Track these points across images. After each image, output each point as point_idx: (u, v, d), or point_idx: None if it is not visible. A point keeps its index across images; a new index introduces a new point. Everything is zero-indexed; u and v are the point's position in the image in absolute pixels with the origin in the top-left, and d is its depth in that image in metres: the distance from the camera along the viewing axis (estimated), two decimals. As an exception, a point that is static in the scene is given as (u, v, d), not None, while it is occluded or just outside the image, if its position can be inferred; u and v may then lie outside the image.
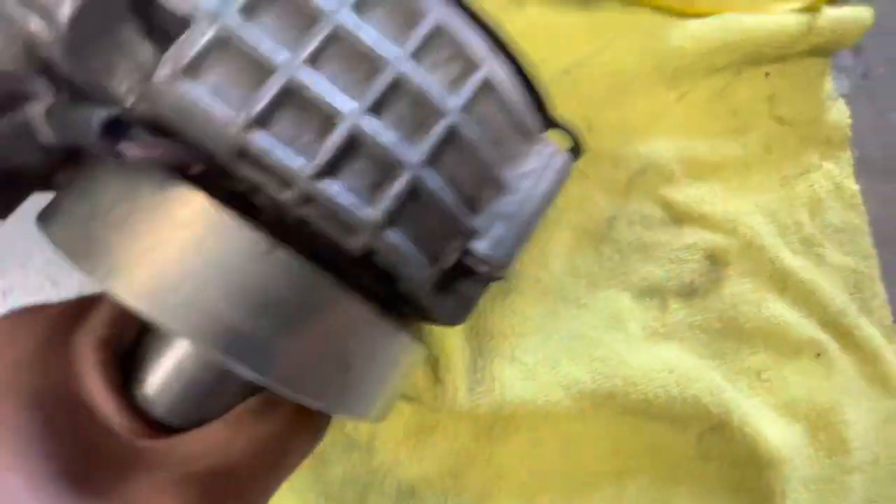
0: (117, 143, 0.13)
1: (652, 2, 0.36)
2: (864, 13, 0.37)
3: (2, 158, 0.16)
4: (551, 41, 0.35)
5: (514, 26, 0.34)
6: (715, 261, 0.35)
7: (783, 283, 0.36)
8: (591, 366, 0.31)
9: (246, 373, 0.15)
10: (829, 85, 0.39)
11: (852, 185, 0.38)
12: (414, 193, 0.15)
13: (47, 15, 0.14)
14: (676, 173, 0.36)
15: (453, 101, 0.16)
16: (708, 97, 0.37)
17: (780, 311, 0.35)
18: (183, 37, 0.14)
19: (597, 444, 0.32)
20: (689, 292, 0.35)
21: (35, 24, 0.14)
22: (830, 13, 0.37)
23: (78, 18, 0.14)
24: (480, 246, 0.17)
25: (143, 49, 0.15)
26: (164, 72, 0.14)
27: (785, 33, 0.35)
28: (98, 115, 0.13)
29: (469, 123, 0.16)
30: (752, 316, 0.35)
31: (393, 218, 0.15)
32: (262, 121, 0.14)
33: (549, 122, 0.21)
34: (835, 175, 0.38)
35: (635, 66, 0.35)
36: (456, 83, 0.17)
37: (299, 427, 0.18)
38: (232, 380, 0.18)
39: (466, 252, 0.17)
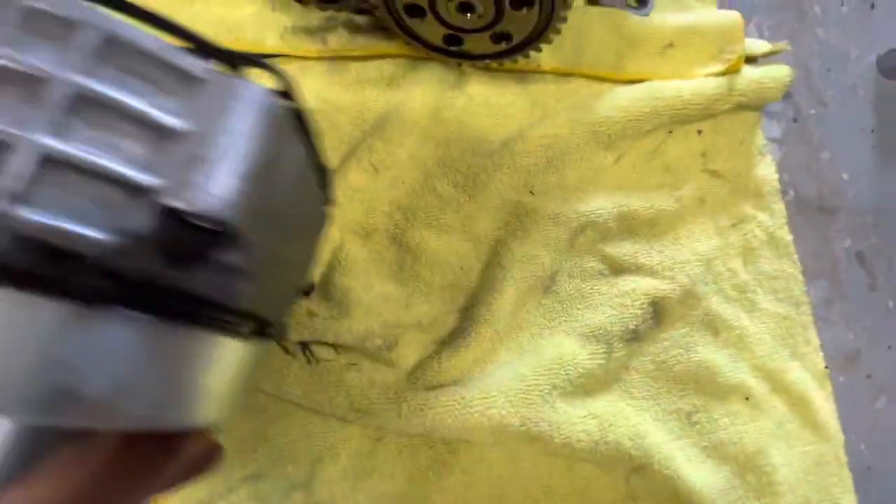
0: None
1: (583, 73, 0.39)
2: (782, 71, 0.40)
3: None
4: (493, 116, 0.39)
5: (457, 104, 0.39)
6: (656, 306, 0.38)
7: (715, 328, 0.38)
8: (521, 410, 0.34)
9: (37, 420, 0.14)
10: (760, 139, 0.42)
11: (786, 236, 0.40)
12: (45, 165, 0.14)
13: None
14: (614, 229, 0.39)
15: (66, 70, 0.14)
16: (642, 157, 0.40)
17: (711, 355, 0.38)
18: None
19: (529, 485, 0.35)
20: (632, 338, 0.37)
21: None
22: (749, 74, 0.39)
23: None
24: (175, 201, 0.15)
25: None
26: None
27: (706, 96, 0.38)
28: None
29: (99, 87, 0.15)
30: (682, 359, 0.37)
31: (22, 196, 0.13)
32: None
33: (231, 63, 0.19)
34: (768, 225, 0.40)
35: (571, 135, 0.38)
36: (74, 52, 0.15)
37: (132, 457, 0.17)
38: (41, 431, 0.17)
39: (170, 216, 0.15)
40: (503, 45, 0.33)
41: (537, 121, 0.39)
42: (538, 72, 0.39)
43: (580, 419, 0.34)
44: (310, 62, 0.39)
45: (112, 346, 0.15)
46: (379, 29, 0.38)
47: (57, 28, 0.15)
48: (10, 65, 0.14)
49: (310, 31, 0.38)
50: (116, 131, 0.15)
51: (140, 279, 0.15)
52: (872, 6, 0.46)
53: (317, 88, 0.38)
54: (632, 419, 0.35)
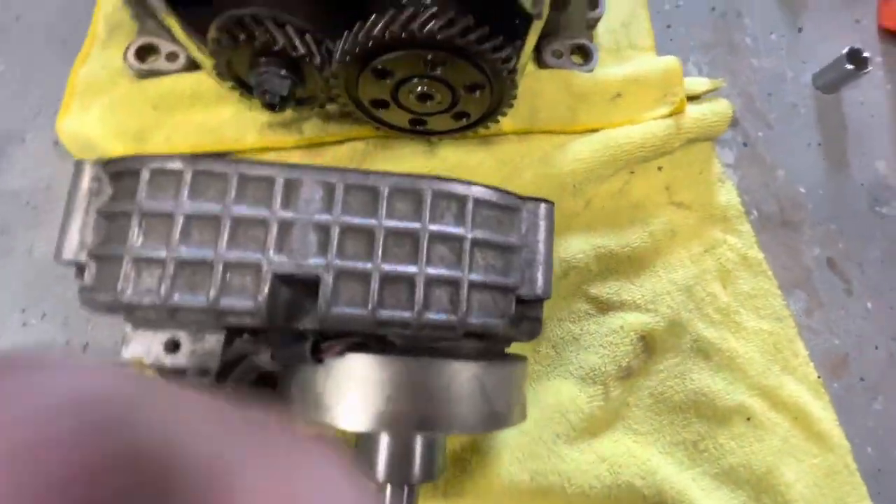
0: (319, 353, 0.25)
1: (541, 129, 0.42)
2: (723, 106, 0.43)
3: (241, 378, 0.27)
4: (464, 177, 0.41)
5: (430, 166, 0.41)
6: (645, 340, 0.39)
7: (706, 353, 0.40)
8: (529, 465, 0.34)
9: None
10: (717, 167, 0.44)
11: (757, 254, 0.43)
12: (476, 291, 0.27)
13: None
14: (595, 270, 0.41)
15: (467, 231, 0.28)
16: (610, 198, 0.43)
17: (707, 380, 0.39)
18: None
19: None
20: (626, 374, 0.38)
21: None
22: (694, 112, 0.42)
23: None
24: (523, 291, 0.29)
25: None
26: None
27: (658, 137, 0.41)
28: (307, 345, 0.24)
29: (480, 235, 0.28)
30: (679, 388, 0.38)
31: (466, 313, 0.27)
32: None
33: (524, 198, 0.31)
34: (739, 247, 0.42)
35: (540, 189, 0.41)
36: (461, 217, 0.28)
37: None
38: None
39: (520, 299, 0.29)
40: (464, 121, 0.36)
41: (506, 178, 0.41)
42: (501, 133, 0.42)
43: (590, 465, 0.34)
44: (288, 150, 0.41)
45: (502, 379, 0.28)
46: (349, 115, 0.41)
47: (450, 201, 0.28)
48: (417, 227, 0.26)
49: (286, 125, 0.41)
50: (490, 257, 0.28)
51: (499, 338, 0.29)
52: (800, 30, 0.51)
53: (297, 176, 0.40)
54: (639, 456, 0.36)
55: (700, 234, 0.42)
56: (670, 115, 0.42)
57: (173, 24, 0.31)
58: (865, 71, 0.45)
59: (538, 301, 0.30)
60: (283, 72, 0.28)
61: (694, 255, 0.42)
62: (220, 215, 0.24)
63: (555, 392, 0.37)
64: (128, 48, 0.41)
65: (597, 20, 0.45)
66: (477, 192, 0.28)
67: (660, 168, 0.44)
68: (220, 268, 0.24)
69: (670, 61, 0.43)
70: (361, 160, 0.41)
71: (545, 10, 0.28)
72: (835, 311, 0.43)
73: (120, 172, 0.25)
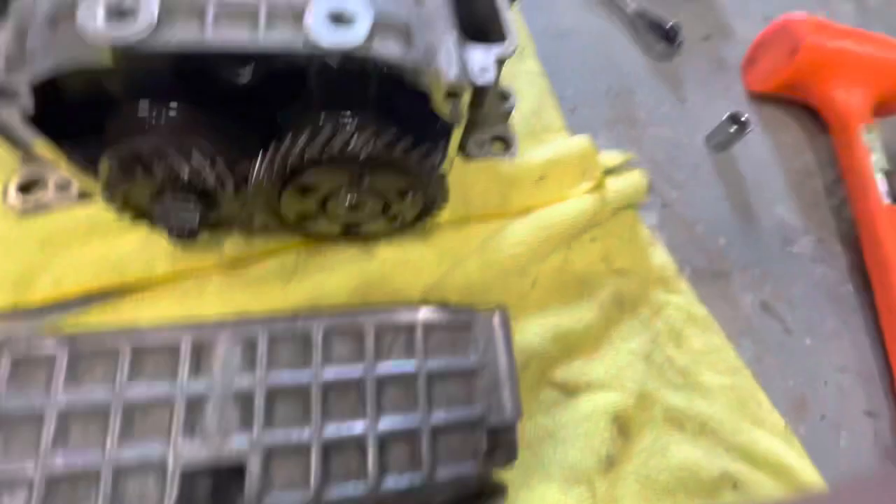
0: None
1: (476, 216, 0.42)
2: (636, 176, 0.46)
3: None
4: (406, 274, 0.39)
5: (370, 269, 0.39)
6: (619, 422, 0.37)
7: (679, 423, 0.38)
8: None
9: None
10: (645, 231, 0.46)
11: (701, 310, 0.44)
12: (441, 436, 0.24)
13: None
14: (555, 353, 0.39)
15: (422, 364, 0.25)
16: (555, 274, 0.43)
17: (686, 452, 0.37)
18: None
19: None
20: (608, 465, 0.36)
21: None
22: (613, 185, 0.45)
23: None
24: (492, 419, 0.26)
25: None
26: None
27: (585, 212, 0.43)
28: None
29: (435, 366, 0.26)
30: (663, 466, 0.36)
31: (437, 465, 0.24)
32: None
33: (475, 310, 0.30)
34: (683, 305, 0.43)
35: (485, 276, 0.40)
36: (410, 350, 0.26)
37: None
38: None
39: (491, 430, 0.26)
40: (399, 223, 0.35)
41: (450, 271, 0.40)
42: (437, 224, 0.42)
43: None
44: (208, 275, 0.37)
45: None
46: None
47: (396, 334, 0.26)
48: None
49: (202, 245, 0.38)
50: (451, 388, 0.25)
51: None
52: (684, 101, 0.57)
53: (220, 301, 0.36)
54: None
55: (645, 298, 0.43)
56: (593, 189, 0.44)
57: (58, 159, 0.28)
58: (748, 130, 0.51)
59: (512, 421, 0.28)
60: (190, 204, 0.26)
61: (643, 319, 0.42)
62: (108, 403, 0.19)
63: (539, 500, 0.33)
64: (7, 186, 0.36)
65: (510, 111, 0.47)
66: (424, 316, 0.26)
67: (593, 239, 0.45)
68: (110, 475, 0.18)
69: (584, 140, 0.46)
70: (292, 275, 0.38)
71: (464, 115, 0.28)
72: (780, 354, 0.44)
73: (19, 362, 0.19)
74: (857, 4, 0.72)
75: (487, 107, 0.44)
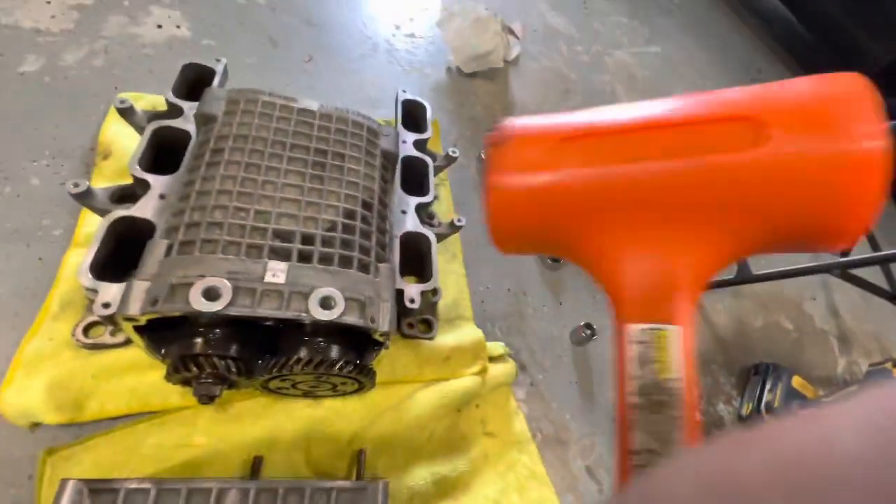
0: None
1: (397, 380, 0.62)
2: (511, 366, 0.68)
3: None
4: (341, 421, 0.57)
5: (316, 415, 0.56)
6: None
7: (510, 554, 0.56)
8: None
9: None
10: (513, 403, 0.67)
11: (541, 469, 0.63)
12: None
13: None
14: (433, 492, 0.57)
15: None
16: (445, 432, 0.61)
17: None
18: None
19: None
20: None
21: None
22: (493, 370, 0.66)
23: None
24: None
25: None
26: None
27: (472, 387, 0.63)
28: None
29: None
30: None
31: None
32: None
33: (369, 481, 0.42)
34: (528, 464, 0.63)
35: (396, 428, 0.58)
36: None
37: None
38: None
39: None
40: (341, 393, 0.54)
41: (373, 421, 0.58)
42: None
43: None
44: (203, 409, 0.54)
45: None
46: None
47: (321, 493, 0.45)
48: None
49: (202, 384, 0.55)
50: None
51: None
52: (560, 303, 0.81)
53: (209, 426, 0.52)
54: None
55: (503, 456, 0.62)
56: (479, 371, 0.65)
57: (135, 337, 0.45)
58: (595, 337, 0.75)
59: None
60: (218, 386, 0.44)
61: (499, 472, 0.61)
62: None
63: None
64: (77, 326, 0.53)
65: (437, 303, 0.69)
66: (339, 484, 0.43)
67: (477, 406, 0.65)
68: None
69: (478, 334, 0.68)
70: (263, 411, 0.55)
71: (388, 342, 0.49)
72: (592, 509, 0.63)
73: (99, 490, 0.36)
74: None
75: (422, 302, 0.66)
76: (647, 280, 0.27)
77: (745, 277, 0.88)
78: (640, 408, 0.26)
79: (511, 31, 1.05)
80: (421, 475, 0.57)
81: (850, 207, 0.23)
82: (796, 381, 0.82)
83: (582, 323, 0.75)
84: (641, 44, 1.47)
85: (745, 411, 0.80)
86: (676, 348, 0.26)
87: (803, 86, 0.25)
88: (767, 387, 0.81)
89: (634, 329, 0.27)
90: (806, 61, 1.82)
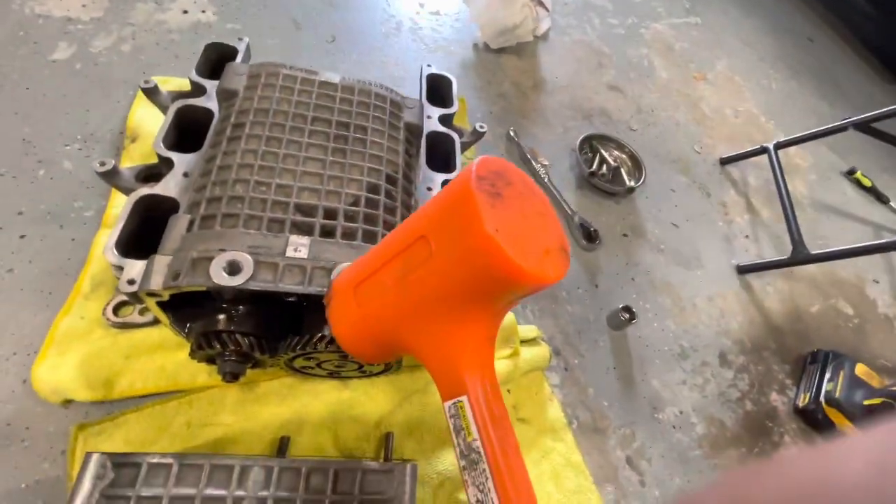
0: None
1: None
2: (543, 350, 0.64)
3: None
4: (368, 403, 0.56)
5: (343, 397, 0.55)
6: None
7: (545, 545, 0.53)
8: None
9: None
10: (547, 389, 0.64)
11: (578, 458, 0.60)
12: None
13: None
14: (459, 480, 0.54)
15: None
16: (474, 416, 0.59)
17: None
18: None
19: None
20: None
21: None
22: (526, 354, 0.63)
23: None
24: None
25: None
26: None
27: (504, 371, 0.60)
28: None
29: (367, 498, 0.41)
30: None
31: None
32: None
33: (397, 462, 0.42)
34: (564, 452, 0.59)
35: (423, 412, 0.56)
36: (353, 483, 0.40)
37: None
38: None
39: None
40: (368, 373, 0.52)
41: (400, 403, 0.56)
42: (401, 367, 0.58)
43: None
44: (229, 388, 0.53)
45: None
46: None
47: (347, 473, 0.43)
48: None
49: (229, 364, 0.54)
50: None
51: None
52: (596, 286, 0.77)
53: (236, 405, 0.52)
54: None
55: (537, 444, 0.59)
56: (511, 355, 0.62)
57: (159, 313, 0.45)
58: (635, 321, 0.70)
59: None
60: (242, 364, 0.43)
61: (533, 460, 0.58)
62: (194, 496, 0.35)
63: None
64: (107, 305, 0.53)
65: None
66: (366, 465, 0.41)
67: (508, 391, 0.62)
68: None
69: (509, 316, 0.65)
70: (289, 392, 0.54)
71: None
72: (634, 502, 0.59)
73: (123, 463, 0.35)
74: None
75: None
76: (443, 365, 0.34)
77: (798, 258, 0.81)
78: (465, 469, 0.32)
79: (540, 3, 1.00)
80: (451, 460, 0.55)
81: (504, 273, 0.28)
82: (860, 370, 0.75)
83: (620, 306, 0.71)
84: (681, 14, 1.38)
85: (801, 402, 0.74)
86: (470, 413, 0.32)
87: (441, 197, 0.32)
88: (827, 376, 0.74)
89: (448, 405, 0.33)
90: (862, 31, 1.66)
